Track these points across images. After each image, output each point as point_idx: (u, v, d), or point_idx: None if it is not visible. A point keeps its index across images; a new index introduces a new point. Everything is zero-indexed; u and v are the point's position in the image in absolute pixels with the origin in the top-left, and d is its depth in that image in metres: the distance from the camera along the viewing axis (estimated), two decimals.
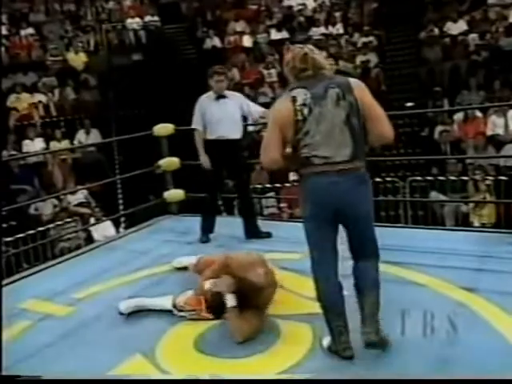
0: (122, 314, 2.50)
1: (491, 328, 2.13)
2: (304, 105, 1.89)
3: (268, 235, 3.54)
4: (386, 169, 6.70)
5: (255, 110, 3.61)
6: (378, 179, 6.20)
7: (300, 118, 1.89)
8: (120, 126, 7.08)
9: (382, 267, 2.55)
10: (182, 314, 2.43)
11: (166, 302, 2.47)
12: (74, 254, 3.79)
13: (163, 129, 4.26)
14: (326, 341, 2.05)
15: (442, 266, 2.78)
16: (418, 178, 5.86)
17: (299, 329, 2.25)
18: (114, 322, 2.48)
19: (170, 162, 4.32)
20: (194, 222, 4.13)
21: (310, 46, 2.04)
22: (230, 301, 2.25)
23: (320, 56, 2.00)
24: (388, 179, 6.06)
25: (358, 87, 1.94)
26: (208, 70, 3.62)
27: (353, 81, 1.96)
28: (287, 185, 6.63)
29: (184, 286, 2.63)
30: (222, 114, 3.47)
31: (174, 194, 4.37)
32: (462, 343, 2.03)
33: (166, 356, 2.15)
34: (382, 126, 1.94)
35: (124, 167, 6.91)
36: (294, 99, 1.91)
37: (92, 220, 5.55)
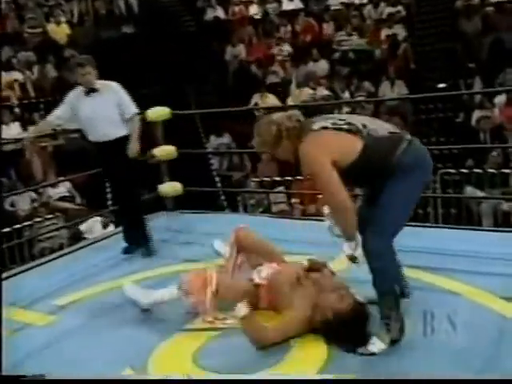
0: (145, 310, 2.58)
1: None
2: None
3: (150, 252, 3.44)
4: None
5: (129, 111, 3.43)
6: None
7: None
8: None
9: (408, 272, 2.58)
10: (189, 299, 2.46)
11: (172, 290, 2.52)
12: (55, 254, 3.83)
13: (158, 113, 4.26)
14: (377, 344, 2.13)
15: (479, 272, 2.78)
16: (451, 170, 5.84)
17: (312, 342, 2.26)
18: (101, 332, 2.51)
19: (165, 151, 4.33)
20: (194, 220, 4.16)
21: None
22: (241, 310, 2.27)
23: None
24: None
25: None
26: (71, 60, 3.53)
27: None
28: (299, 177, 6.63)
29: None
30: (93, 112, 3.35)
31: (171, 187, 4.39)
32: (504, 364, 2.03)
33: (159, 372, 2.17)
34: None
35: None
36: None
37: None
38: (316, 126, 2.19)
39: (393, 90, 7.53)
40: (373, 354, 2.14)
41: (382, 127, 2.23)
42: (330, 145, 2.14)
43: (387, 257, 2.17)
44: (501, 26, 7.81)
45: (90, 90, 3.38)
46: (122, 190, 3.51)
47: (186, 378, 1.96)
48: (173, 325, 2.52)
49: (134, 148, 3.42)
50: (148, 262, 3.31)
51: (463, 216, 5.54)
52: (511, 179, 5.52)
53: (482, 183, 5.60)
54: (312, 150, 2.13)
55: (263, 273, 2.51)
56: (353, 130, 2.17)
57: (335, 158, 2.10)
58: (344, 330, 2.16)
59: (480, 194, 5.47)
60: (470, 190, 5.59)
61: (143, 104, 4.39)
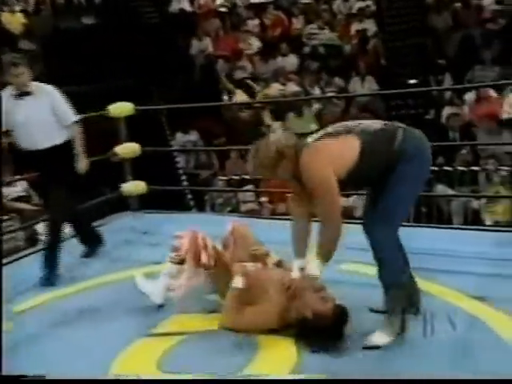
0: (160, 306, 2.62)
1: (507, 345, 2.19)
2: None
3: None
4: None
5: (67, 118, 3.25)
6: None
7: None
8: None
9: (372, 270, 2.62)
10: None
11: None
12: (11, 258, 3.74)
13: (121, 108, 4.22)
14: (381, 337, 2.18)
15: (449, 270, 2.86)
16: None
17: (280, 342, 2.28)
18: (61, 339, 2.46)
19: (128, 149, 4.29)
20: (159, 220, 4.14)
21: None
22: (238, 282, 2.36)
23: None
24: None
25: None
26: (4, 58, 3.22)
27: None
28: None
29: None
30: (27, 117, 3.12)
31: (134, 186, 4.36)
32: (473, 363, 2.08)
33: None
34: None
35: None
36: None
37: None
38: (311, 139, 2.26)
39: (363, 86, 7.63)
40: (377, 347, 2.17)
41: (373, 123, 2.28)
42: (331, 154, 2.19)
43: (394, 248, 2.23)
44: (470, 23, 8.01)
45: (23, 93, 3.13)
46: (56, 204, 3.20)
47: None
48: (138, 329, 2.50)
49: (82, 164, 3.26)
50: (110, 265, 3.27)
51: (434, 214, 5.66)
52: (480, 177, 5.68)
53: (452, 181, 5.74)
54: (314, 163, 2.18)
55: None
56: (347, 131, 2.23)
57: (337, 167, 2.17)
58: (321, 331, 2.19)
59: (450, 191, 5.60)
60: (440, 188, 5.72)
61: (105, 99, 4.35)
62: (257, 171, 2.36)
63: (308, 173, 2.18)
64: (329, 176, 2.15)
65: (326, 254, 2.22)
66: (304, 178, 2.20)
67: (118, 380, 1.76)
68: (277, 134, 2.39)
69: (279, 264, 2.60)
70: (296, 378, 1.90)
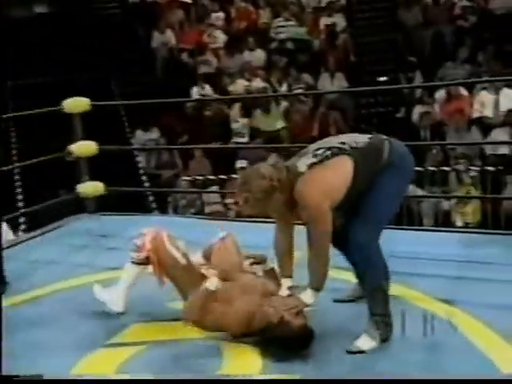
0: (121, 313, 2.61)
1: (472, 347, 2.25)
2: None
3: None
4: None
5: None
6: None
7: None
8: (18, 98, 6.85)
9: (345, 275, 2.67)
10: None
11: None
12: None
13: (76, 104, 4.16)
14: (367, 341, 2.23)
15: (418, 273, 2.91)
16: None
17: (244, 351, 2.30)
18: (10, 349, 2.41)
19: (84, 147, 4.23)
20: (118, 223, 4.09)
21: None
22: (213, 284, 2.38)
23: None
24: None
25: None
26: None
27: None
28: (234, 176, 6.67)
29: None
30: None
31: (91, 187, 4.30)
32: (438, 365, 2.14)
33: None
34: None
35: (24, 153, 6.68)
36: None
37: None
38: (303, 168, 2.27)
39: (332, 83, 7.72)
40: (362, 351, 2.21)
41: (357, 138, 2.35)
42: (327, 184, 2.24)
43: (378, 250, 2.30)
44: (440, 19, 8.20)
45: None
46: None
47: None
48: (95, 339, 2.47)
49: None
50: (66, 271, 3.22)
51: (404, 215, 5.77)
52: (451, 177, 5.82)
53: (422, 182, 5.87)
54: (310, 193, 2.22)
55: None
56: (337, 153, 2.27)
57: (334, 197, 2.24)
58: (284, 340, 2.22)
59: (420, 192, 5.72)
60: (410, 189, 5.83)
61: (59, 93, 4.28)
62: (249, 208, 2.33)
63: (304, 202, 2.23)
64: (325, 207, 2.22)
65: (319, 282, 2.30)
66: (300, 206, 2.26)
67: (119, 380, 1.76)
68: (265, 165, 2.35)
69: (270, 272, 2.58)
70: (292, 378, 1.92)
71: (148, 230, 2.62)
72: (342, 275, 2.72)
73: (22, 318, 2.65)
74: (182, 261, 2.55)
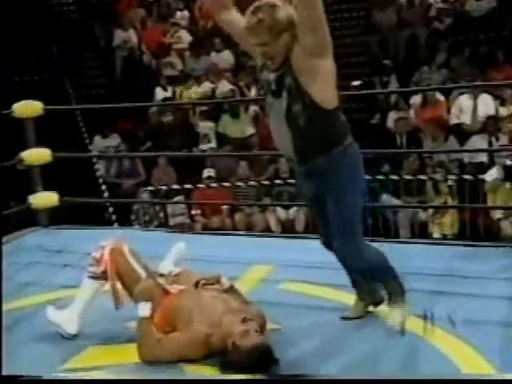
0: (75, 335, 2.57)
1: (451, 366, 2.27)
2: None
3: None
4: None
5: None
6: None
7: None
8: None
9: (315, 290, 2.68)
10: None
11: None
12: None
13: (27, 108, 4.10)
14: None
15: None
16: (366, 177, 6.14)
17: (206, 372, 2.28)
18: None
19: (36, 154, 4.16)
20: (74, 237, 4.03)
21: None
22: (144, 310, 2.35)
23: None
24: None
25: None
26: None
27: None
28: (200, 186, 6.65)
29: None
30: None
31: (44, 197, 4.23)
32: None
33: None
34: None
35: None
36: None
37: None
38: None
39: None
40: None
41: None
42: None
43: (368, 253, 2.45)
44: (416, 21, 8.36)
45: None
46: None
47: None
48: (45, 365, 2.41)
49: None
50: (14, 290, 3.15)
51: (379, 226, 5.84)
52: (428, 186, 5.92)
53: (398, 191, 5.95)
54: None
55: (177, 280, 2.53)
56: None
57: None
58: (241, 365, 2.20)
59: (396, 202, 5.80)
60: (385, 199, 5.92)
61: (10, 96, 4.21)
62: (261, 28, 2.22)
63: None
64: None
65: None
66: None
67: (120, 380, 1.74)
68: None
69: (230, 290, 2.58)
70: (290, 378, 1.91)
71: (107, 242, 2.59)
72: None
73: None
74: (143, 275, 2.52)
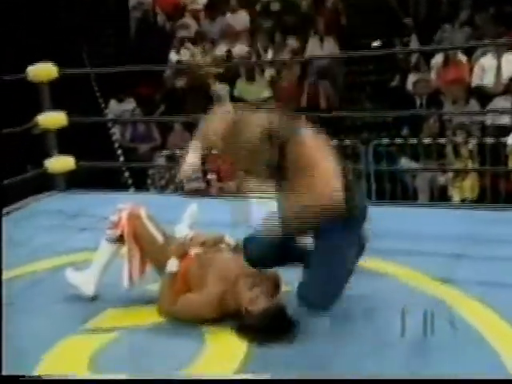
0: (94, 297, 2.61)
1: (471, 329, 2.28)
2: None
3: None
4: (344, 129, 6.88)
5: None
6: (333, 142, 6.36)
7: None
8: None
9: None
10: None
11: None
12: None
13: (42, 71, 4.10)
14: None
15: (413, 251, 2.95)
16: (385, 140, 6.09)
17: (227, 334, 2.32)
18: None
19: (52, 118, 4.19)
20: (90, 201, 4.07)
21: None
22: (173, 265, 2.42)
23: None
24: (347, 142, 6.23)
25: None
26: None
27: None
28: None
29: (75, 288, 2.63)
30: None
31: (60, 161, 4.27)
32: (435, 349, 2.17)
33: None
34: None
35: None
36: None
37: None
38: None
39: (322, 48, 7.66)
40: None
41: None
42: None
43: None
44: None
45: None
46: None
47: None
48: (65, 326, 2.47)
49: None
50: (33, 254, 3.20)
51: (398, 191, 5.81)
52: (448, 150, 5.84)
53: (417, 154, 5.89)
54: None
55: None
56: None
57: None
58: (256, 329, 2.25)
59: (416, 166, 5.75)
60: (404, 162, 5.87)
61: (24, 59, 4.20)
62: (236, 156, 2.26)
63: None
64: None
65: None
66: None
67: (122, 380, 1.79)
68: (259, 113, 2.26)
69: (237, 248, 2.60)
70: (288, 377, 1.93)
71: (125, 205, 2.61)
72: None
73: None
74: (160, 239, 2.55)
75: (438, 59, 6.95)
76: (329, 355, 2.16)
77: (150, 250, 2.56)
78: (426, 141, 5.86)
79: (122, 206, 2.63)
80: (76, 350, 2.32)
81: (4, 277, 2.93)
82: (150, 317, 2.48)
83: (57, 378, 1.81)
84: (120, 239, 2.58)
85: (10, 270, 3.00)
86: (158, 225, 2.62)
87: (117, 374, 1.97)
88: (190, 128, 7.22)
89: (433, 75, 6.92)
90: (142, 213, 2.60)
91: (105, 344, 2.34)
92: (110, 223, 2.60)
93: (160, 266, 2.53)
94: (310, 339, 2.25)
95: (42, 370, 2.19)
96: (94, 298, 2.64)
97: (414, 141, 5.93)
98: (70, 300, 2.66)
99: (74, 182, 4.46)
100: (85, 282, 2.64)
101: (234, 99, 7.60)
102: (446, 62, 6.81)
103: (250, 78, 7.51)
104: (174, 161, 6.67)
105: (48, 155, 4.27)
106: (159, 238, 2.57)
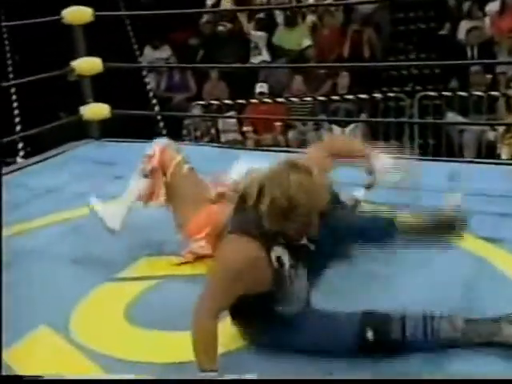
0: (115, 231, 2.62)
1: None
2: None
3: None
4: (387, 81, 6.73)
5: None
6: (376, 95, 6.25)
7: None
8: (12, 7, 6.74)
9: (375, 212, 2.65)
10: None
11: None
12: None
13: (78, 13, 4.08)
14: None
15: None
16: (431, 93, 5.94)
17: None
18: (11, 281, 2.48)
19: (88, 64, 4.17)
20: (124, 150, 4.10)
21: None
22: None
23: None
24: (390, 95, 6.11)
25: None
26: None
27: None
28: (253, 101, 6.59)
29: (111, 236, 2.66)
30: None
31: (95, 109, 4.29)
32: (479, 311, 2.15)
33: (84, 328, 2.18)
34: None
35: (21, 69, 6.64)
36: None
37: None
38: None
39: None
40: None
41: None
42: None
43: None
44: None
45: None
46: None
47: None
48: (101, 273, 2.52)
49: None
50: (67, 201, 3.26)
51: (443, 147, 5.70)
52: (500, 104, 5.67)
53: (466, 109, 5.73)
54: None
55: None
56: None
57: None
58: None
59: (463, 120, 5.61)
60: (451, 117, 5.72)
61: (59, 1, 4.19)
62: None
63: None
64: None
65: None
66: None
67: (125, 380, 1.83)
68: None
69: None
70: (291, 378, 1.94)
71: (160, 141, 2.66)
72: None
73: (20, 250, 2.70)
74: (185, 167, 2.56)
75: (492, 6, 6.70)
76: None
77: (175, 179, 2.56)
78: (476, 94, 5.69)
79: (158, 141, 2.65)
80: (112, 297, 2.36)
81: (38, 224, 3.02)
82: (185, 266, 2.50)
83: (57, 378, 1.84)
84: (152, 174, 2.58)
85: (44, 217, 3.08)
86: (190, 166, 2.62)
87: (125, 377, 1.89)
88: (227, 78, 7.19)
89: (487, 23, 6.68)
90: (173, 147, 2.63)
91: (140, 293, 2.36)
92: (144, 157, 2.61)
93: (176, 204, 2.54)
94: None
95: (78, 315, 2.25)
96: (114, 232, 2.63)
97: (462, 94, 5.76)
98: (102, 248, 2.69)
99: (108, 131, 4.49)
100: (112, 215, 2.63)
101: (272, 47, 7.49)
102: (502, 9, 6.58)
103: (290, 25, 7.36)
104: (209, 111, 6.66)
105: (83, 102, 4.29)
106: (185, 167, 2.58)
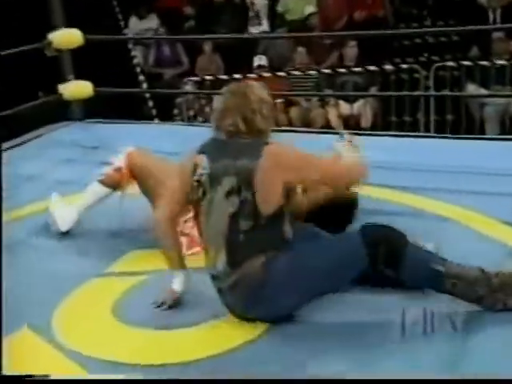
0: (64, 233, 2.75)
1: None
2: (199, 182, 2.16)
3: None
4: (399, 50, 6.70)
5: None
6: (388, 66, 6.24)
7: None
8: None
9: (389, 194, 2.66)
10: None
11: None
12: None
13: None
14: None
15: (478, 192, 2.91)
16: (449, 63, 5.92)
17: None
18: None
19: (66, 36, 4.16)
20: (110, 132, 4.11)
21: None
22: None
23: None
24: (403, 66, 6.08)
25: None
26: None
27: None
28: (251, 75, 6.57)
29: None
30: None
31: (76, 87, 4.29)
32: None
33: (68, 326, 2.20)
34: None
35: None
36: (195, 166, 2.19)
37: None
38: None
39: None
40: None
41: None
42: None
43: None
44: None
45: None
46: None
47: None
48: (89, 268, 2.55)
49: None
50: (48, 189, 3.26)
51: (462, 122, 5.69)
52: None
53: (488, 80, 5.72)
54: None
55: None
56: None
57: None
58: None
59: (485, 92, 5.59)
60: (472, 89, 5.70)
61: None
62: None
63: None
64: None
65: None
66: None
67: (123, 380, 1.86)
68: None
69: None
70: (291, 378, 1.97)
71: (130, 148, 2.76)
72: None
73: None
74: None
75: None
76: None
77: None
78: (499, 63, 5.67)
79: (127, 148, 2.75)
80: (101, 292, 2.39)
81: (17, 214, 3.03)
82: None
83: (57, 378, 1.87)
84: (114, 186, 2.71)
85: (23, 207, 3.09)
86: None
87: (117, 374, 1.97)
88: (222, 50, 7.18)
89: None
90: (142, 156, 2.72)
91: (130, 288, 2.40)
92: (108, 167, 2.73)
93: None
94: None
95: (63, 312, 2.27)
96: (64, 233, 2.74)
97: (484, 63, 5.75)
98: (90, 239, 2.73)
99: (92, 111, 4.49)
100: (63, 216, 2.76)
101: (276, 16, 7.47)
102: None
103: None
104: (203, 87, 6.65)
105: (63, 80, 4.28)
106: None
